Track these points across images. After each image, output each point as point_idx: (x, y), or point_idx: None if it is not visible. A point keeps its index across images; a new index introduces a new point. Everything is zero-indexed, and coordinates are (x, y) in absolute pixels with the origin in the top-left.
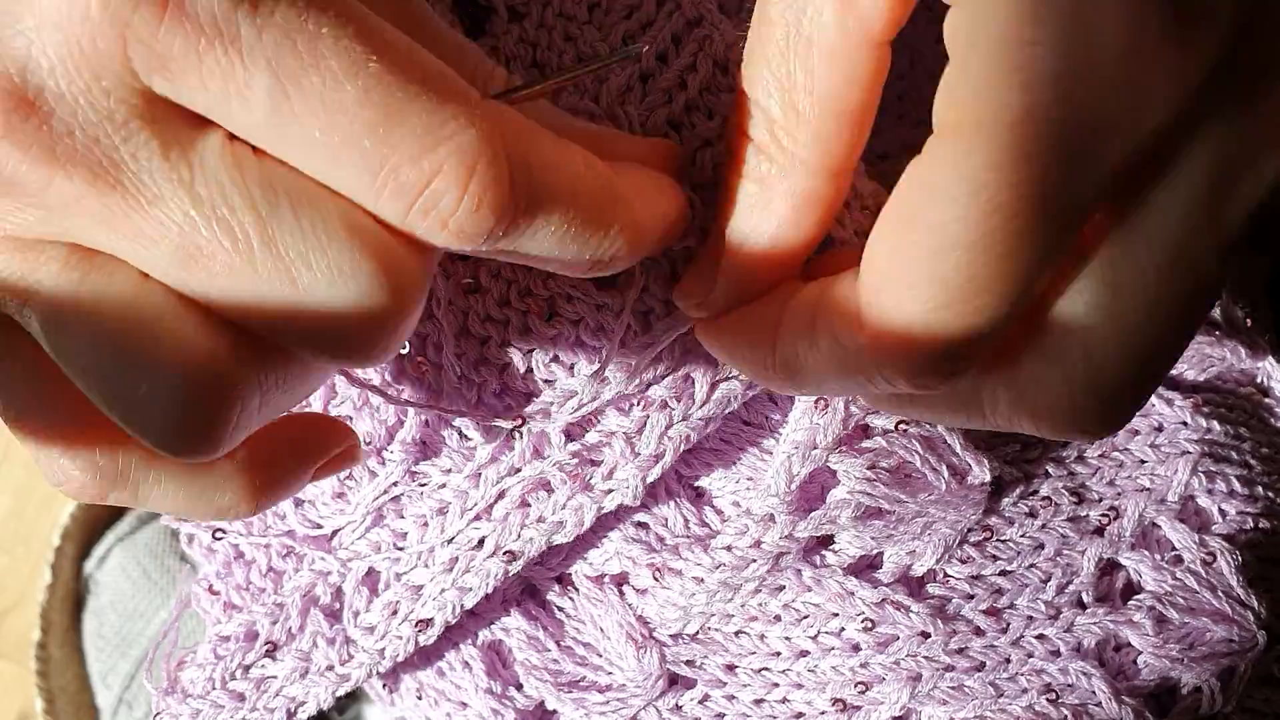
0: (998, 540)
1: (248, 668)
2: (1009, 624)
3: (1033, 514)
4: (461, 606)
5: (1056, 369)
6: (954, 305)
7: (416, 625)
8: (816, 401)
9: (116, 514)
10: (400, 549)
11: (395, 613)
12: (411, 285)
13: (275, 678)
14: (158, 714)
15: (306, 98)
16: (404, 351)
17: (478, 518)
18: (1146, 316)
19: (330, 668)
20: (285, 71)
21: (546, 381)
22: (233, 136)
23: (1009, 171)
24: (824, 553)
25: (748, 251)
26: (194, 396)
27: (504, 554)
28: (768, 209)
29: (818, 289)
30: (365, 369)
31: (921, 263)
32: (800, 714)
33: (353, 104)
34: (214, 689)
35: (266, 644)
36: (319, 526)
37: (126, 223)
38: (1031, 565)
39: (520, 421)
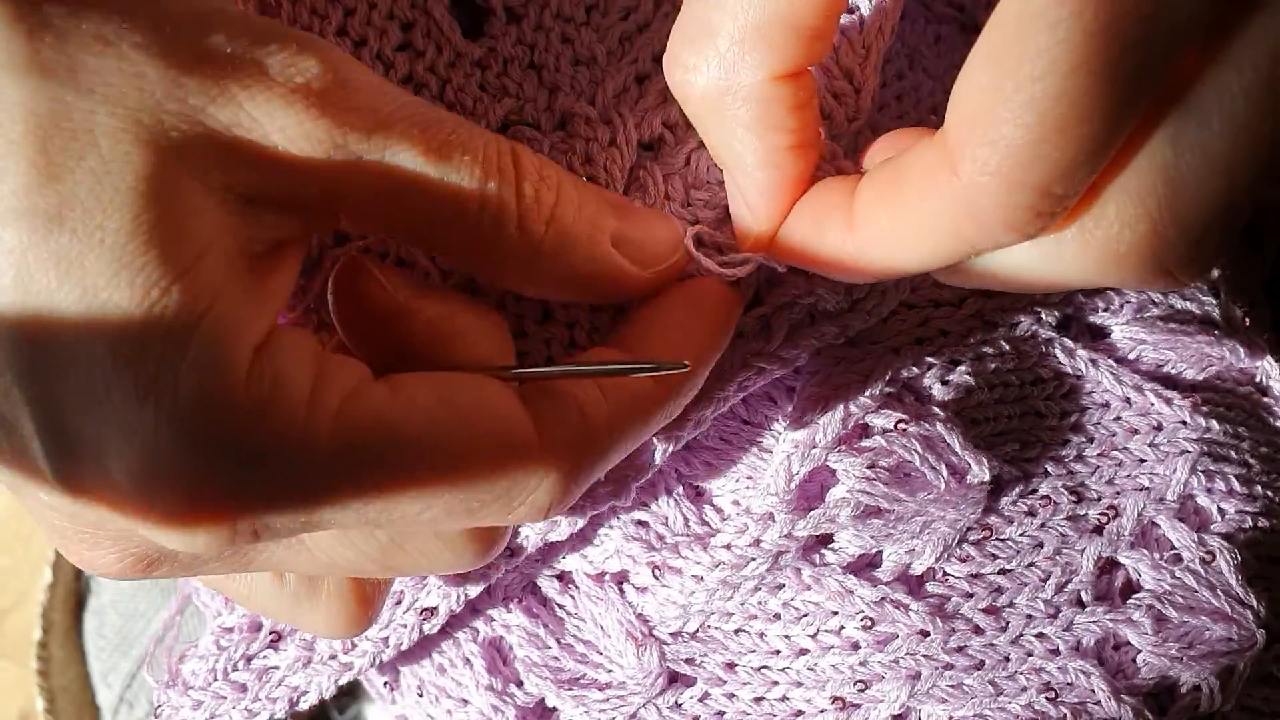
0: (997, 539)
1: (250, 658)
2: (1008, 622)
3: (1032, 513)
4: (465, 595)
5: (1142, 206)
6: (1054, 136)
7: (421, 613)
8: (816, 400)
9: None
10: None
11: (400, 601)
12: (499, 545)
13: (278, 668)
14: (158, 707)
15: (394, 526)
16: None
17: None
18: (1234, 145)
19: (334, 657)
20: (372, 519)
21: None
22: None
23: None
24: (823, 551)
25: (746, 166)
26: (346, 630)
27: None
28: (733, 122)
29: (893, 161)
30: None
31: (1021, 93)
32: (800, 712)
33: (435, 521)
34: (216, 680)
35: (270, 634)
36: None
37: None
38: (1031, 564)
39: None
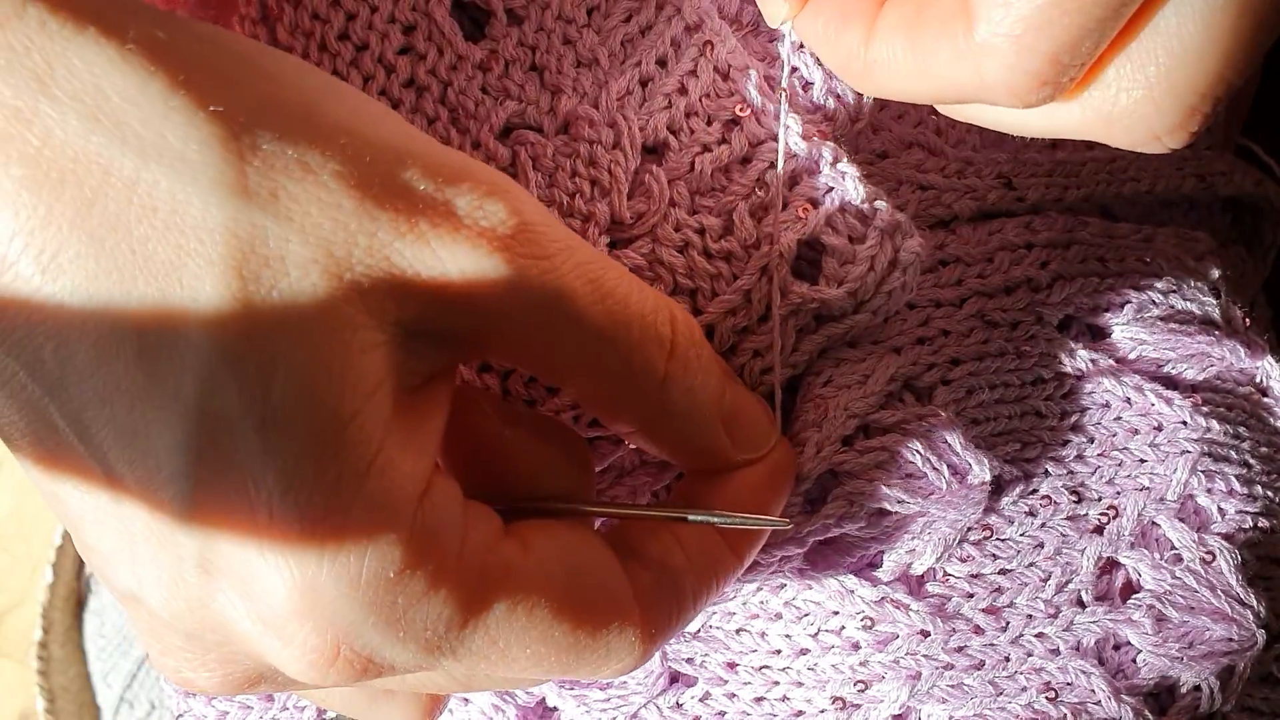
0: (997, 539)
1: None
2: (1008, 622)
3: (1032, 513)
4: None
5: (1141, 73)
6: (1069, 2)
7: None
8: (817, 401)
9: None
10: None
11: None
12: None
13: None
14: (180, 716)
15: (494, 682)
16: None
17: None
18: (1234, 18)
19: None
20: (482, 679)
21: (550, 391)
22: None
23: None
24: (824, 551)
25: None
26: None
27: None
28: None
29: (913, 8)
30: None
31: None
32: (800, 712)
33: (535, 677)
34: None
35: None
36: None
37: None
38: (1031, 564)
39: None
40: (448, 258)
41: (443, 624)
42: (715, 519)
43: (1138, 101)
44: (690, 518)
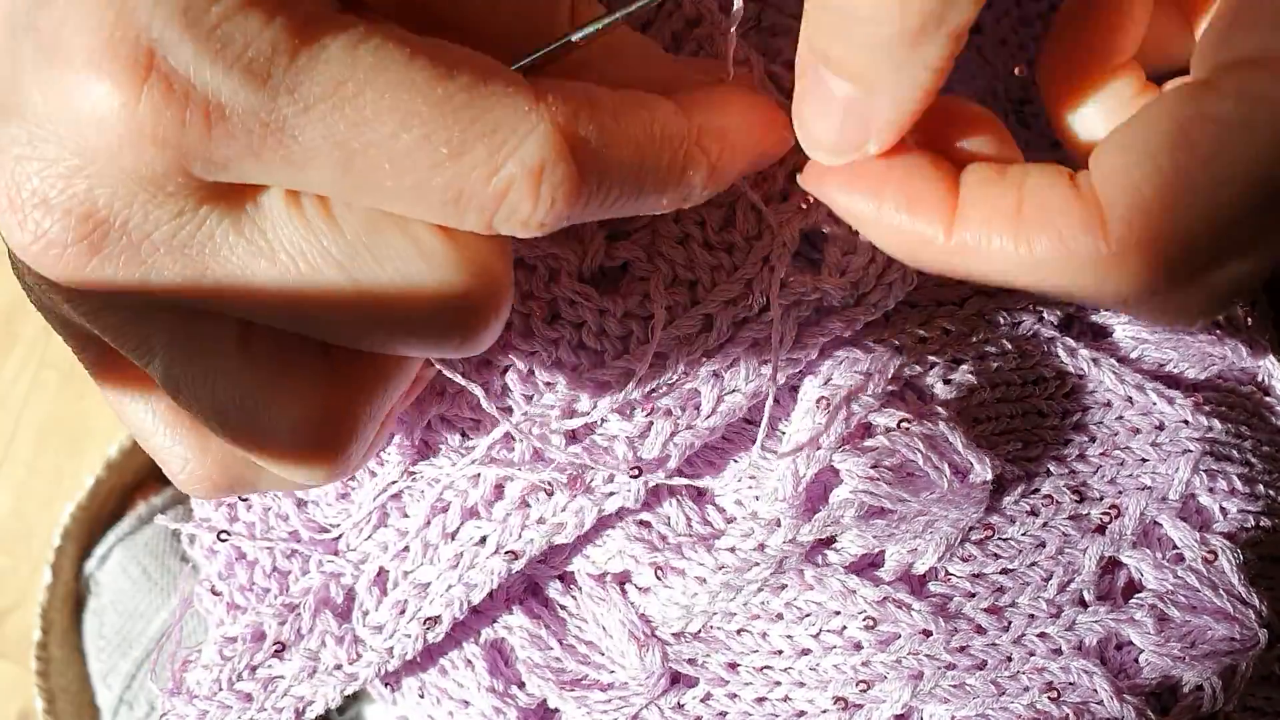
0: (999, 538)
1: (255, 668)
2: (1010, 622)
3: (1034, 512)
4: (469, 603)
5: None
6: (1231, 245)
7: (424, 623)
8: (819, 401)
9: (117, 514)
10: (406, 548)
11: (403, 611)
12: (501, 271)
13: (283, 678)
14: (164, 715)
15: (369, 158)
16: None
17: (478, 516)
18: None
19: (339, 667)
20: (341, 142)
21: (548, 384)
22: (293, 193)
23: None
24: (826, 551)
25: (899, 95)
26: (319, 439)
27: (505, 553)
28: (919, 55)
29: (1012, 178)
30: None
31: (1210, 199)
32: (802, 712)
33: (414, 150)
34: (221, 690)
35: (274, 644)
36: (324, 530)
37: (222, 293)
38: (1033, 563)
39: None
40: None
41: (266, 44)
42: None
43: (1205, 298)
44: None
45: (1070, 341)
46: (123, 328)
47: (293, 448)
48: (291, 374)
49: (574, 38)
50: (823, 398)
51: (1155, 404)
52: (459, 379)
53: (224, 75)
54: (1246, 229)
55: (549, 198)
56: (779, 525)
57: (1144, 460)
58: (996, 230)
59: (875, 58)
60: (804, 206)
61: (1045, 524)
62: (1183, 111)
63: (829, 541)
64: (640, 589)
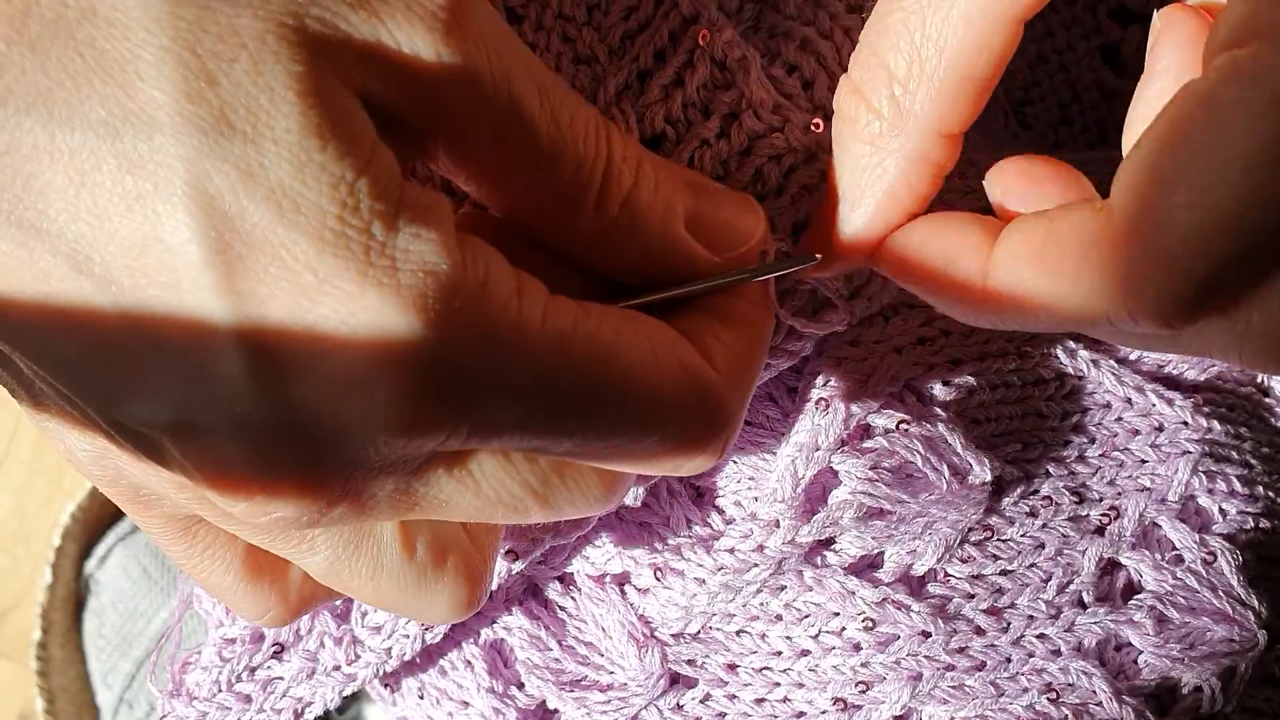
0: (998, 540)
1: (254, 669)
2: (1010, 623)
3: (1033, 513)
4: None
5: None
6: (1232, 226)
7: (423, 624)
8: (818, 402)
9: (118, 514)
10: None
11: None
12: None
13: (282, 679)
14: (164, 716)
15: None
16: None
17: None
18: None
19: (337, 668)
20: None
21: None
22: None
23: None
24: (825, 553)
25: (860, 211)
26: (467, 608)
27: (506, 553)
28: (879, 168)
29: (1046, 217)
30: None
31: (1203, 179)
32: (801, 713)
33: (632, 446)
34: (220, 691)
35: (273, 645)
36: None
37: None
38: (1032, 565)
39: None
40: (397, 30)
41: (512, 354)
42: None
43: (1273, 325)
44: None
45: (1070, 343)
46: (287, 533)
47: (445, 615)
48: (448, 560)
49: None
50: (822, 399)
51: (1155, 405)
52: None
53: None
54: (1268, 223)
55: (725, 448)
56: (778, 526)
57: (1143, 462)
58: (1024, 264)
59: (849, 160)
60: (797, 200)
61: (1044, 525)
62: (1175, 107)
63: (828, 543)
64: (639, 590)
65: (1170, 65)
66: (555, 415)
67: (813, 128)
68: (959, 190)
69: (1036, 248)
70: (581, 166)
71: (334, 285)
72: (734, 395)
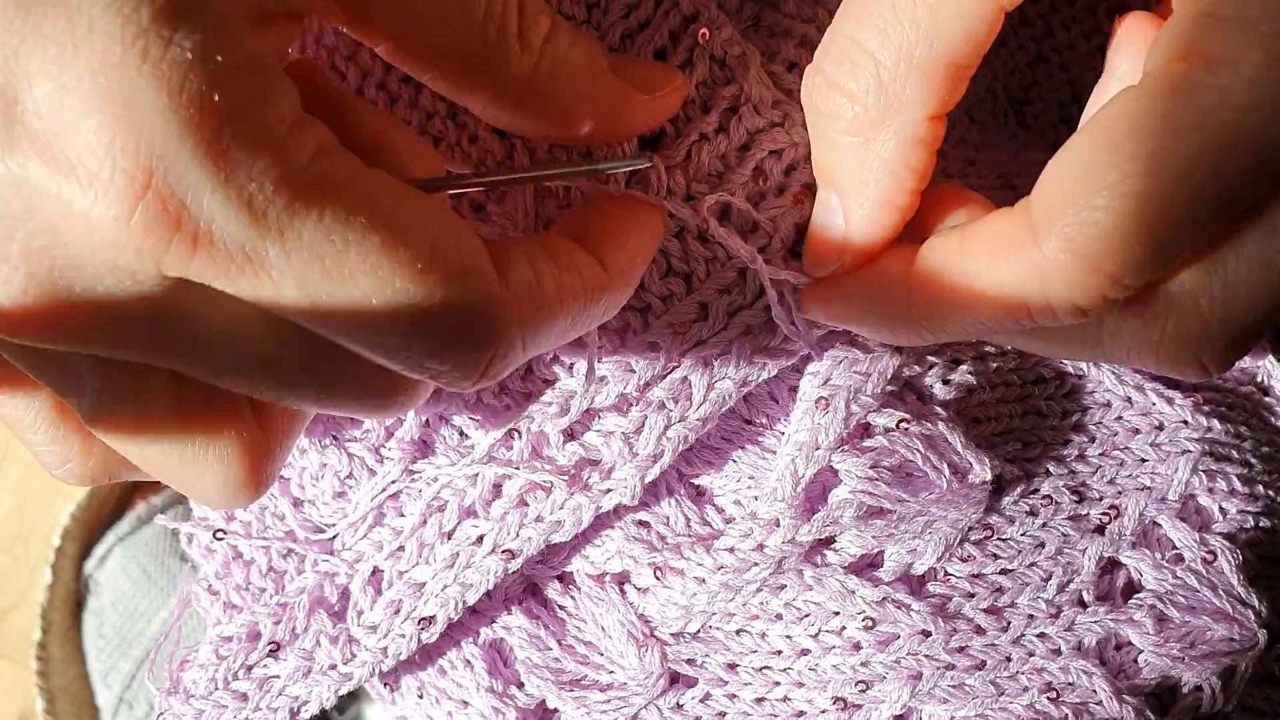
0: (998, 539)
1: (250, 668)
2: (1010, 622)
3: (1033, 512)
4: (464, 603)
5: (1194, 302)
6: (1145, 230)
7: (419, 623)
8: (818, 401)
9: (117, 514)
10: (402, 547)
11: (398, 611)
12: (420, 394)
13: (278, 677)
14: (161, 714)
15: (334, 307)
16: None
17: (475, 515)
18: None
19: (333, 666)
20: (313, 290)
21: (546, 381)
22: None
23: (1254, 114)
24: (825, 552)
25: (867, 201)
26: (242, 484)
27: (503, 552)
28: (875, 157)
29: (961, 228)
30: None
31: (1124, 184)
32: (801, 712)
33: (379, 315)
34: (216, 689)
35: (269, 644)
36: (320, 530)
37: (175, 357)
38: (1032, 564)
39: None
40: None
41: (270, 183)
42: (585, 168)
43: (1188, 329)
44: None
45: None
46: (46, 365)
47: (217, 492)
48: (223, 430)
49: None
50: (821, 398)
51: (1155, 404)
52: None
53: (221, 204)
54: (1180, 224)
55: (489, 376)
56: (778, 525)
57: (1143, 461)
58: (945, 267)
59: (841, 156)
60: (798, 200)
61: (1044, 524)
62: (1106, 112)
63: (828, 542)
64: (639, 589)
65: (1126, 73)
66: (294, 264)
67: (797, 198)
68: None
69: (956, 246)
70: (492, 8)
71: (101, 48)
72: (519, 321)
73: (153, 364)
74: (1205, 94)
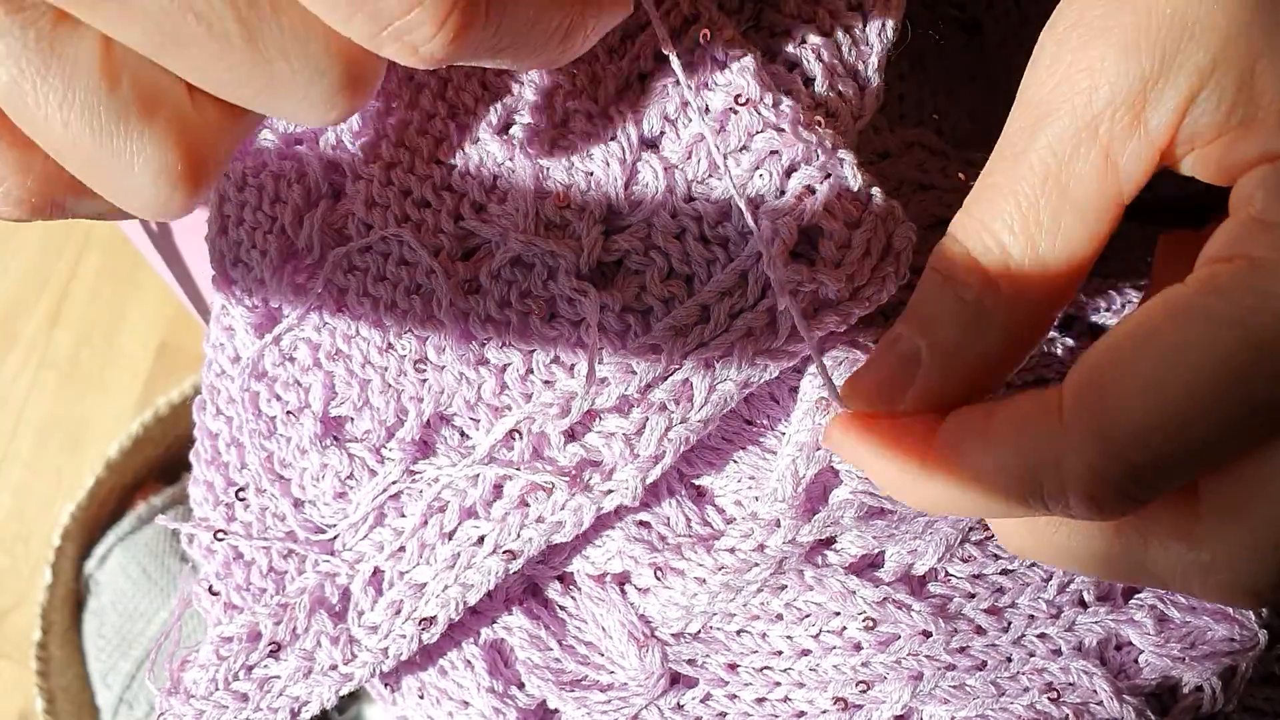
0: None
1: (250, 668)
2: (1010, 623)
3: None
4: (465, 603)
5: (1243, 526)
6: (1175, 428)
7: (420, 623)
8: (818, 401)
9: (117, 514)
10: (403, 548)
11: (399, 611)
12: (372, 81)
13: (279, 678)
14: (161, 714)
15: None
16: (405, 353)
17: (476, 515)
18: None
19: (334, 667)
20: None
21: (546, 383)
22: None
23: None
24: (826, 552)
25: (953, 368)
26: (176, 185)
27: (504, 553)
28: (982, 335)
29: (984, 408)
30: None
31: (1157, 374)
32: (802, 713)
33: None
34: (217, 689)
35: (270, 644)
36: (320, 530)
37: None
38: (1033, 564)
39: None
40: None
41: None
42: None
43: (1238, 557)
44: None
45: (1070, 341)
46: None
47: (148, 191)
48: (159, 110)
49: None
50: (822, 398)
51: None
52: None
53: None
54: (1212, 423)
55: (451, 31)
56: (779, 526)
57: None
58: (966, 435)
59: (953, 315)
60: (800, 202)
61: None
62: (1150, 305)
63: (829, 542)
64: (640, 590)
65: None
66: None
67: (814, 124)
68: (959, 190)
69: (980, 419)
70: None
71: None
72: None
73: (80, 20)
74: (1247, 294)
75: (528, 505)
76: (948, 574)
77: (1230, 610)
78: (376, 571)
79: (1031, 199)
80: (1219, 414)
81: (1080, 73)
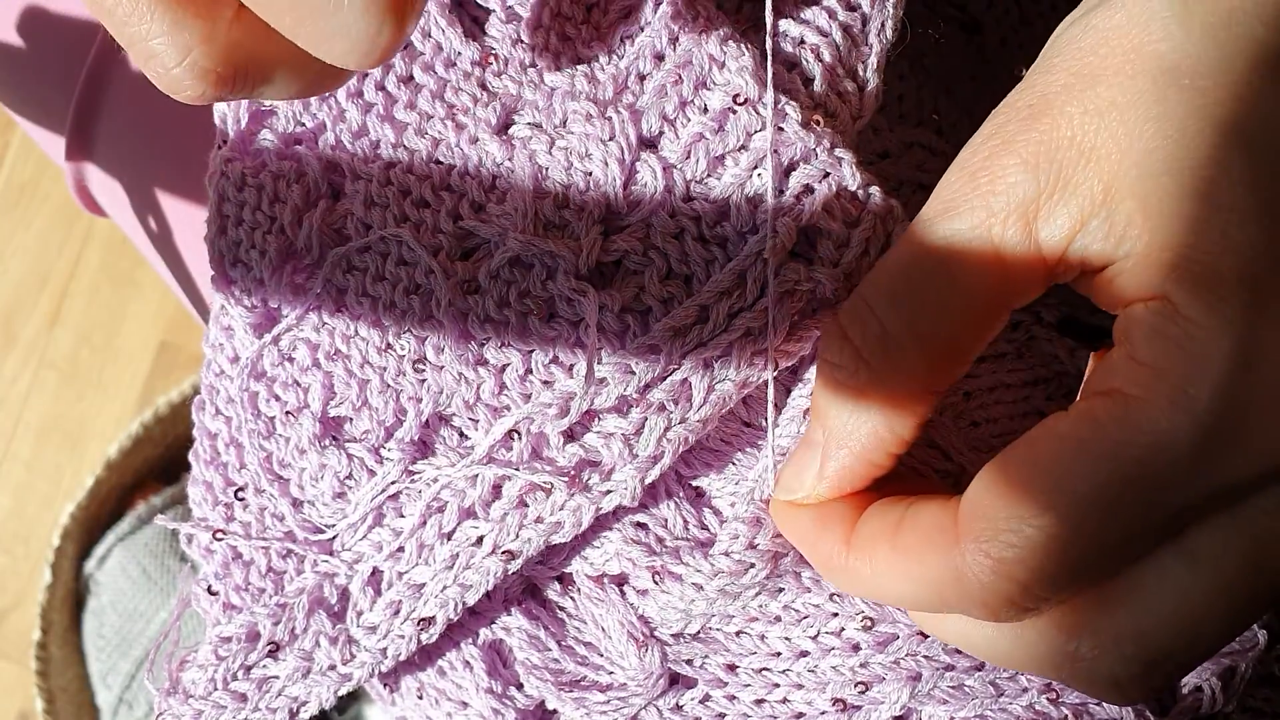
0: None
1: (249, 668)
2: None
3: None
4: (463, 604)
5: (1112, 618)
6: (1056, 554)
7: (419, 624)
8: (806, 412)
9: (117, 514)
10: (401, 548)
11: (397, 612)
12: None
13: (277, 678)
14: (160, 714)
15: None
16: (404, 353)
17: (475, 516)
18: (1211, 598)
19: (332, 667)
20: None
21: (545, 383)
22: None
23: (1157, 454)
24: None
25: (848, 449)
26: (386, 13)
27: (502, 553)
28: (866, 415)
29: (905, 503)
30: None
31: (1038, 503)
32: (801, 714)
33: None
34: (216, 690)
35: (269, 644)
36: (319, 531)
37: None
38: None
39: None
40: None
41: None
42: None
43: (1104, 648)
44: None
45: (1070, 341)
46: None
47: (356, 27)
48: None
49: None
50: (809, 409)
51: None
52: None
53: None
54: (1089, 548)
55: None
56: (760, 524)
57: None
58: (878, 540)
59: (836, 404)
60: (798, 201)
61: None
62: (1036, 431)
63: None
64: (638, 591)
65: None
66: None
67: (813, 124)
68: (915, 184)
69: (891, 526)
70: None
71: None
72: None
73: None
74: (1117, 429)
75: (526, 505)
76: None
77: None
78: (375, 572)
79: (920, 281)
80: (1095, 539)
81: (986, 177)
